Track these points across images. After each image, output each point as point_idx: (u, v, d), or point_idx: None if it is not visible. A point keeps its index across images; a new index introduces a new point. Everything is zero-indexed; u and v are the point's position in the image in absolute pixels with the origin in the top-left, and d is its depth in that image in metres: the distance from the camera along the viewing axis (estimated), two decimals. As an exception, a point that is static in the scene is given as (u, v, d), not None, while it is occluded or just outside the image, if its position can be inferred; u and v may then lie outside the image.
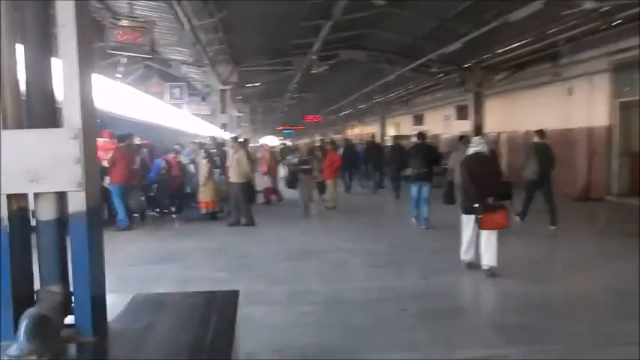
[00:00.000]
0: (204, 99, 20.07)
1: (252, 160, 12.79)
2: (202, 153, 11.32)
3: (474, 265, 6.81)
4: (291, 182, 11.99)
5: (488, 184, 6.55)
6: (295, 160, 12.96)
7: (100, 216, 2.68)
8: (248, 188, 10.69)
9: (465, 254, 6.91)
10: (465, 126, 23.63)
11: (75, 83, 2.13)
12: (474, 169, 6.64)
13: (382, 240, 9.10)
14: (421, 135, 11.02)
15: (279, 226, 10.55)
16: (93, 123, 2.30)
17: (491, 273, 6.51)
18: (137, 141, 11.82)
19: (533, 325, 4.84)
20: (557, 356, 4.26)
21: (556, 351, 4.32)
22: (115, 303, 2.68)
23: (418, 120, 29.78)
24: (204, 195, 11.05)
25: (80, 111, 2.13)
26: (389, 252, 8.19)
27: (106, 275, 2.36)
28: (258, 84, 20.64)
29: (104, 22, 9.34)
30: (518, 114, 19.27)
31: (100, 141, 10.49)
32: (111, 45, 9.02)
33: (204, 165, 11.27)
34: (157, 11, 11.38)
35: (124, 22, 9.16)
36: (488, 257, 6.54)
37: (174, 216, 11.57)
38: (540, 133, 10.85)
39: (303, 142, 44.56)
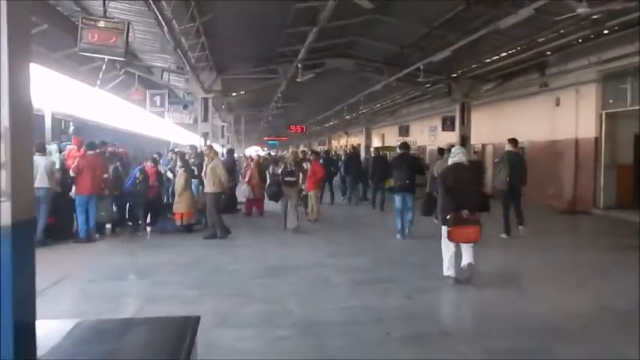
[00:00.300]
0: (185, 107, 19.59)
1: (232, 169, 12.36)
2: (179, 162, 10.84)
3: (459, 281, 6.57)
4: (275, 195, 11.38)
5: (465, 195, 6.45)
6: (279, 170, 12.50)
7: (32, 230, 2.32)
8: (225, 199, 10.20)
9: (448, 270, 6.66)
10: (451, 137, 23.51)
11: (3, 79, 1.90)
12: (451, 179, 6.60)
13: (365, 254, 8.71)
14: (405, 145, 10.88)
15: (258, 240, 10.07)
16: (26, 123, 2.05)
17: (470, 271, 6.53)
18: (111, 149, 11.34)
19: (527, 349, 4.45)
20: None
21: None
22: (52, 331, 2.40)
23: (404, 131, 29.57)
24: (180, 206, 10.57)
25: (8, 108, 1.88)
26: (372, 268, 7.76)
27: (64, 292, 1.96)
28: (242, 92, 20.18)
29: (77, 23, 8.89)
30: (504, 125, 19.03)
31: (70, 149, 9.99)
32: (82, 47, 8.51)
33: (180, 174, 10.80)
34: (138, 15, 10.95)
35: (98, 24, 8.68)
36: (467, 255, 6.53)
37: (148, 228, 11.06)
38: (513, 141, 10.82)
39: (289, 151, 44.38)
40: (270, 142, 42.90)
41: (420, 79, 18.01)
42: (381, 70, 17.92)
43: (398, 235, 9.89)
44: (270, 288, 6.58)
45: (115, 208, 10.42)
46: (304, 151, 22.97)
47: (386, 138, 33.88)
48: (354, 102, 25.35)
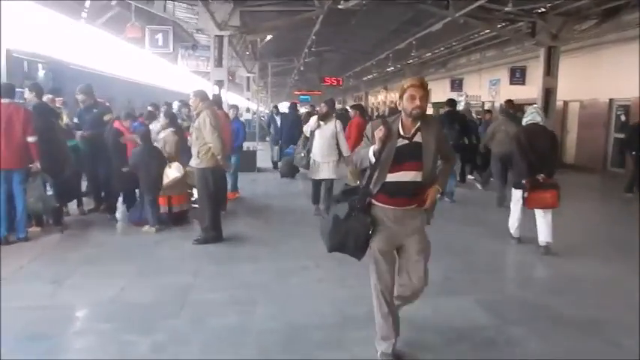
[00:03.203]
0: (194, 48, 15.94)
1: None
2: (162, 118, 7.33)
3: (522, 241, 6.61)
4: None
5: (541, 159, 6.15)
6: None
7: None
8: (217, 179, 6.59)
9: (515, 230, 6.73)
10: (521, 92, 19.38)
11: None
12: (526, 142, 6.24)
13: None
14: (452, 102, 10.44)
15: (278, 247, 6.49)
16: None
17: (547, 250, 6.22)
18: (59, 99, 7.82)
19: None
20: None
21: None
22: None
23: (457, 85, 25.43)
24: (166, 186, 7.08)
25: None
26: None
27: None
28: (267, 30, 16.34)
29: None
30: (599, 77, 14.90)
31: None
32: None
33: (170, 137, 7.30)
34: None
35: None
36: (544, 234, 6.23)
37: (118, 215, 7.65)
38: (510, 103, 10.85)
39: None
40: (301, 96, 38.93)
41: (494, 15, 14.02)
42: (445, 3, 13.87)
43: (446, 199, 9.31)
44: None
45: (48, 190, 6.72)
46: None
47: (433, 94, 29.63)
48: (402, 49, 21.19)
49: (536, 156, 6.11)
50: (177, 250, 6.23)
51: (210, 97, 10.47)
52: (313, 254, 5.77)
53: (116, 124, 7.34)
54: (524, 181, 6.12)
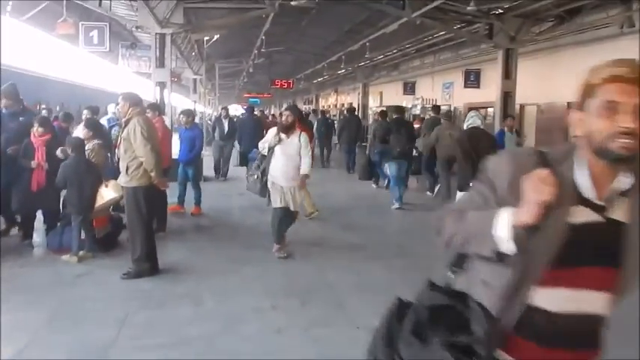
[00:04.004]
0: (133, 47, 14.69)
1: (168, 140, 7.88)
2: (82, 128, 6.24)
3: None
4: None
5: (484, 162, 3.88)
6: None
7: None
8: (151, 199, 5.51)
9: None
10: (475, 95, 19.08)
11: None
12: (469, 145, 6.34)
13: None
14: (400, 109, 10.60)
15: (227, 279, 5.47)
16: None
17: None
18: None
19: None
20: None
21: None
22: None
23: (409, 88, 25.00)
24: (100, 208, 5.98)
25: None
26: None
27: None
28: (213, 28, 15.26)
29: None
30: (557, 81, 14.65)
31: None
32: None
33: (97, 150, 6.21)
34: None
35: None
36: None
37: (35, 239, 6.47)
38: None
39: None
40: (251, 99, 37.78)
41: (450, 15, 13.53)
42: (401, 3, 13.24)
43: (396, 205, 9.42)
44: None
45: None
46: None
47: (385, 97, 29.19)
48: (355, 50, 20.51)
49: (480, 159, 5.84)
50: (101, 286, 5.15)
51: (152, 101, 9.46)
52: (269, 288, 4.86)
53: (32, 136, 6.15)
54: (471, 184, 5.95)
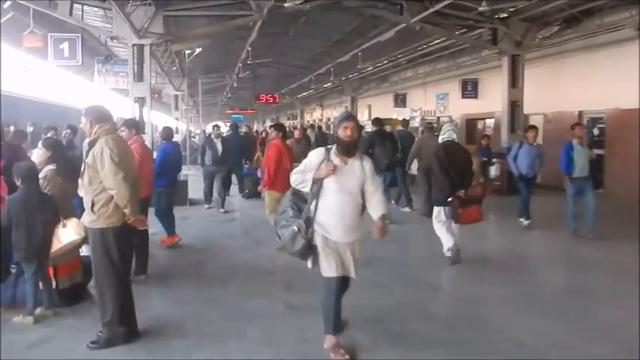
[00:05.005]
0: (108, 59, 13.50)
1: (149, 164, 6.69)
2: (40, 149, 5.02)
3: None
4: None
5: (460, 175, 6.37)
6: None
7: None
8: (126, 243, 4.25)
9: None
10: (473, 106, 18.21)
11: None
12: (446, 158, 6.41)
13: None
14: (379, 121, 10.08)
15: (225, 346, 4.17)
16: None
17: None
18: None
19: None
20: None
21: None
22: None
23: (400, 100, 24.10)
24: (57, 254, 4.74)
25: None
26: None
27: None
28: (196, 41, 14.13)
29: None
30: (564, 88, 13.77)
31: None
32: None
33: (52, 177, 4.99)
34: None
35: None
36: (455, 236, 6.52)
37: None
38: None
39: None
40: (234, 115, 36.56)
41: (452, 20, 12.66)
42: (398, 8, 12.29)
43: None
44: None
45: None
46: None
47: (373, 110, 28.25)
48: (344, 62, 19.50)
49: (455, 172, 6.34)
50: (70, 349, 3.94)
51: (132, 118, 8.20)
52: (283, 353, 3.68)
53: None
54: (451, 199, 6.29)
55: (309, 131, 16.53)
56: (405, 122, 12.10)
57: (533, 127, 9.24)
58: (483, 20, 12.66)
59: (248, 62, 18.54)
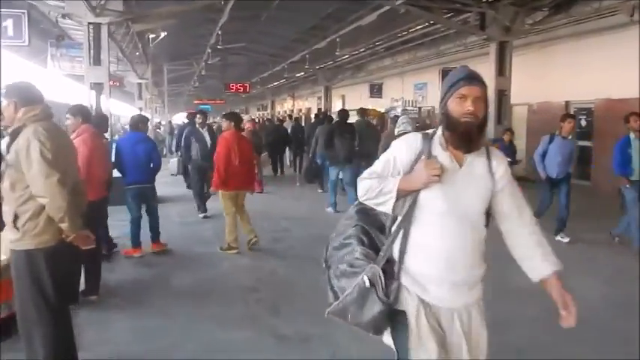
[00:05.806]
0: (60, 40, 12.21)
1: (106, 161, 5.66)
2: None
3: None
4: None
5: None
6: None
7: None
8: (63, 268, 3.17)
9: None
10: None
11: None
12: None
13: None
14: (344, 112, 9.93)
15: None
16: None
17: None
18: None
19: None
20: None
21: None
22: None
23: (376, 90, 23.29)
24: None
25: None
26: None
27: None
28: (161, 22, 12.95)
29: None
30: (551, 77, 13.14)
31: None
32: None
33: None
34: None
35: None
36: None
37: None
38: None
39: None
40: (201, 106, 35.19)
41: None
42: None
43: (330, 210, 9.32)
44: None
45: None
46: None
47: (347, 100, 27.42)
48: (319, 50, 18.54)
49: None
50: None
51: (79, 103, 6.88)
52: None
53: None
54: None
55: (286, 122, 15.58)
56: (362, 110, 11.23)
57: (572, 117, 7.56)
58: (471, 4, 11.91)
59: (218, 47, 17.36)
